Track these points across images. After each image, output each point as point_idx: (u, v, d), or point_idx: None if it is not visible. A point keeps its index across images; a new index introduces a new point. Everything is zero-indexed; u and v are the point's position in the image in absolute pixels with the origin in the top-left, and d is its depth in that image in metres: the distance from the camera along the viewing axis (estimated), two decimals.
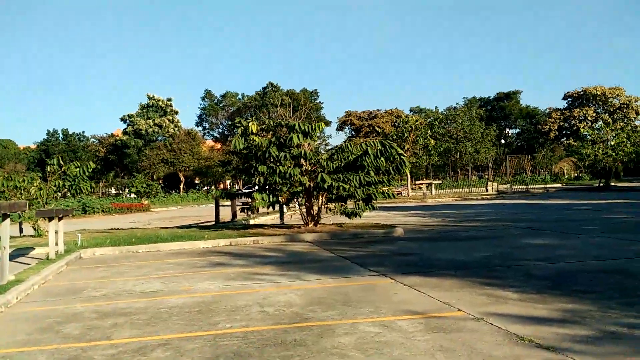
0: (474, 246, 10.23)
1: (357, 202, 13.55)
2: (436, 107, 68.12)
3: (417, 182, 39.44)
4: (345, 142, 77.21)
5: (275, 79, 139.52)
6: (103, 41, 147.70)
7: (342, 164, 13.40)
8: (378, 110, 76.34)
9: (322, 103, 78.20)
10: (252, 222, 17.76)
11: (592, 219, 15.43)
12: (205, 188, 70.32)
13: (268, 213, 21.01)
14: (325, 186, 12.75)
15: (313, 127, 13.10)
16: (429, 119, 38.30)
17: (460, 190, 39.96)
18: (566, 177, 63.60)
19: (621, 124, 54.89)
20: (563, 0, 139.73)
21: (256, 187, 15.21)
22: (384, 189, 13.61)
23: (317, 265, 8.64)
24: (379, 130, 62.82)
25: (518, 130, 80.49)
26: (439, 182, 42.88)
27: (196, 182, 72.92)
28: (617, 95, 60.85)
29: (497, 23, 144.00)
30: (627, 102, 60.63)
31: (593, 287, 6.20)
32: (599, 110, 61.87)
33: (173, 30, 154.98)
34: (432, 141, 34.41)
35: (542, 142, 69.07)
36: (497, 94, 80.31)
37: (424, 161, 35.17)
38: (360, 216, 14.14)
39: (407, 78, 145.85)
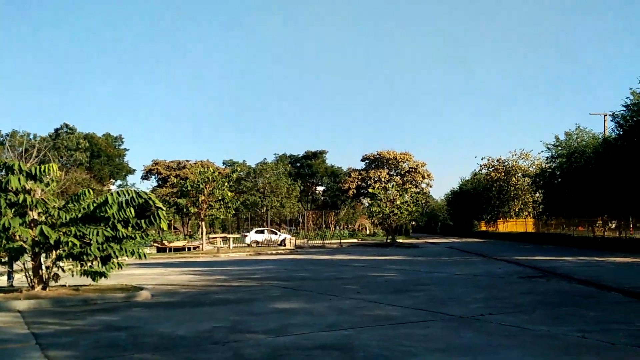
0: (213, 313, 8.92)
1: (94, 262, 11.48)
2: (244, 161, 68.21)
3: (211, 236, 37.80)
4: (151, 191, 73.06)
5: (72, 120, 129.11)
6: None
7: (80, 215, 11.30)
8: (188, 160, 74.01)
9: (126, 150, 73.47)
10: None
11: (359, 276, 15.31)
12: None
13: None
14: (51, 241, 10.52)
15: (43, 170, 10.87)
16: (233, 172, 37.42)
17: (260, 244, 39.27)
18: (363, 233, 67.60)
19: (409, 185, 60.21)
20: (365, 71, 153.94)
21: None
22: (130, 247, 11.73)
23: None
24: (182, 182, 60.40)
25: (324, 187, 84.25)
26: (237, 235, 41.83)
27: None
28: (407, 159, 67.15)
29: (307, 86, 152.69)
30: (415, 167, 67.17)
31: None
32: (391, 173, 67.49)
33: None
34: (230, 193, 33.28)
35: (343, 199, 72.83)
36: (305, 152, 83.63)
37: (221, 214, 33.68)
38: (106, 277, 12.06)
39: (222, 131, 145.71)
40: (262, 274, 16.80)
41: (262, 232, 42.44)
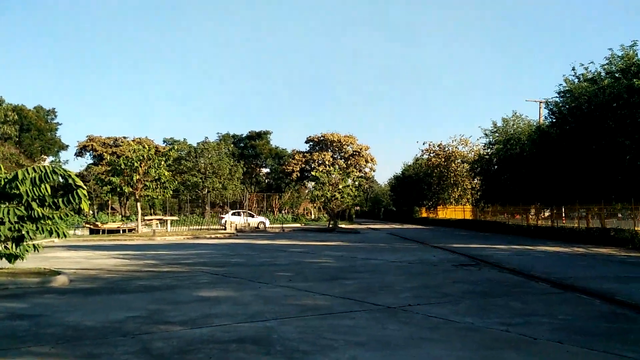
0: (131, 302, 8.40)
1: (3, 243, 10.66)
2: (185, 139, 66.44)
3: (147, 218, 36.59)
4: (85, 169, 70.22)
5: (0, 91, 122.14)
6: None
7: None
8: (125, 137, 71.44)
9: (59, 124, 70.05)
10: None
11: (295, 262, 15.03)
12: None
13: None
14: None
15: None
16: (170, 150, 36.05)
17: (199, 227, 38.44)
18: (307, 217, 67.51)
19: (352, 169, 60.46)
20: (316, 52, 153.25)
21: None
22: (47, 226, 10.95)
23: None
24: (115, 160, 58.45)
25: (268, 169, 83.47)
26: (175, 218, 40.75)
27: None
28: (351, 143, 67.31)
29: (254, 64, 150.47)
30: (358, 150, 67.47)
31: None
32: (335, 156, 67.54)
33: None
34: (167, 173, 32.17)
35: (287, 182, 72.42)
36: (249, 132, 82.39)
37: (158, 194, 32.56)
38: (22, 259, 11.25)
39: (163, 108, 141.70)
40: (195, 259, 16.25)
41: (239, 214, 43.12)
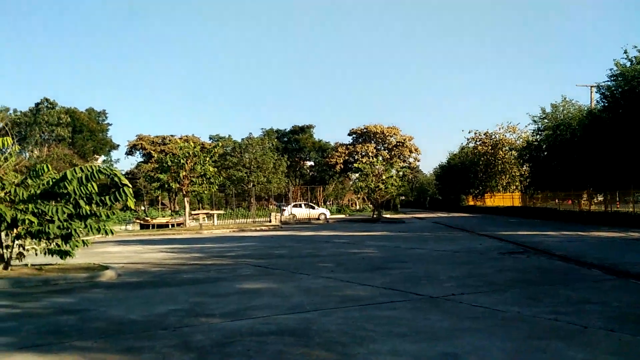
0: (175, 295, 8.53)
1: (56, 240, 11.02)
2: (229, 136, 67.25)
3: (194, 213, 37.30)
4: (135, 167, 72.20)
5: (53, 94, 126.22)
6: None
7: (39, 191, 10.78)
8: (173, 135, 72.96)
9: (109, 125, 72.28)
10: None
11: (337, 254, 14.97)
12: None
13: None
14: (8, 219, 10.02)
15: None
16: (215, 147, 36.69)
17: (244, 220, 38.92)
18: (352, 208, 67.40)
19: (396, 160, 59.83)
20: (354, 45, 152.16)
21: None
22: (95, 223, 11.26)
23: None
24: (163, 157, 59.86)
25: (311, 162, 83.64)
26: (222, 212, 41.37)
27: None
28: (394, 134, 66.48)
29: (295, 59, 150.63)
30: (402, 141, 66.60)
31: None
32: (378, 147, 66.91)
33: None
34: (212, 169, 32.69)
35: (331, 174, 72.38)
36: (292, 126, 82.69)
37: (203, 189, 33.14)
38: (71, 255, 11.62)
39: (209, 106, 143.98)
40: (239, 252, 16.42)
41: (300, 206, 44.22)
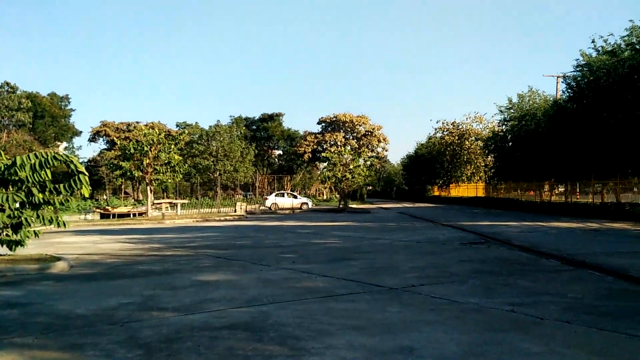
0: (128, 287, 8.22)
1: (4, 231, 10.54)
2: (196, 123, 66.24)
3: (157, 202, 36.58)
4: (98, 155, 70.54)
5: (14, 78, 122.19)
6: None
7: None
8: (138, 122, 71.49)
9: (73, 110, 70.28)
10: None
11: (300, 244, 14.81)
12: None
13: None
14: None
15: None
16: (180, 134, 36.01)
17: (209, 210, 38.40)
18: (319, 198, 67.35)
19: (364, 149, 59.95)
20: (326, 37, 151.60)
21: None
22: (47, 214, 10.81)
23: None
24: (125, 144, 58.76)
25: (280, 151, 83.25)
26: (186, 201, 40.73)
27: None
28: (363, 123, 66.60)
29: (265, 47, 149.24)
30: (371, 130, 66.78)
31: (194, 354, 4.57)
32: (347, 136, 66.95)
33: None
34: (177, 157, 32.06)
35: (299, 163, 72.17)
36: (261, 114, 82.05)
37: (168, 178, 32.50)
38: (23, 245, 11.15)
39: (176, 93, 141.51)
40: (201, 242, 16.11)
41: (282, 195, 44.61)
